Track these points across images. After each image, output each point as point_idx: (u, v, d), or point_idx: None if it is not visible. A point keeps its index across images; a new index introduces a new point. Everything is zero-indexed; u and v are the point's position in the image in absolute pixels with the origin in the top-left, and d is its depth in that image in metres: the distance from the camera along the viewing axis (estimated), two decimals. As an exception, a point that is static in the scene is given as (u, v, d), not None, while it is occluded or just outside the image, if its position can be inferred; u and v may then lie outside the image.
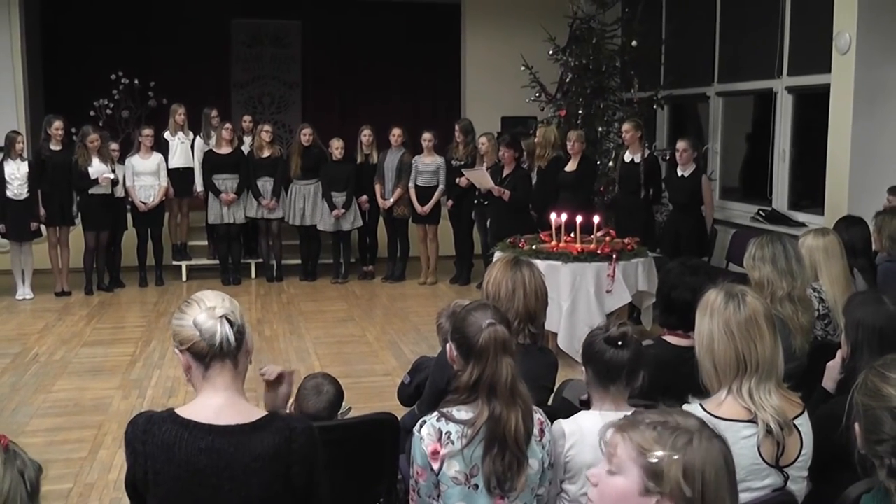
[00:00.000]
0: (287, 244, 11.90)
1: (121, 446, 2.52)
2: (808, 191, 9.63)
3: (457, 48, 14.03)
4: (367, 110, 14.53)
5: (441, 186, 11.27)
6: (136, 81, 13.95)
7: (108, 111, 13.90)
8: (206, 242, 12.12)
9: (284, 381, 3.22)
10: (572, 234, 8.04)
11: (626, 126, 9.65)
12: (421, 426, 2.94)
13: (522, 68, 11.33)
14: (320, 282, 11.70)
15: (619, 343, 3.14)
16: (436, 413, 2.94)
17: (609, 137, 11.04)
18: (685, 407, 3.06)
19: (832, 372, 3.74)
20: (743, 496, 2.87)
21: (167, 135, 11.46)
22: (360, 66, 15.23)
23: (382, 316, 9.91)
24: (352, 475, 3.69)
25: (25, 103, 12.19)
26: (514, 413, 2.85)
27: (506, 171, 10.28)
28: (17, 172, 10.17)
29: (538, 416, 3.01)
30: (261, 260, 11.97)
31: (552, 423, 3.11)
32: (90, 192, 10.47)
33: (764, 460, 2.93)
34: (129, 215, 11.20)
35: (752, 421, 2.93)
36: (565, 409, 3.64)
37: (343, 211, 11.29)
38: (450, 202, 11.35)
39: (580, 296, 7.66)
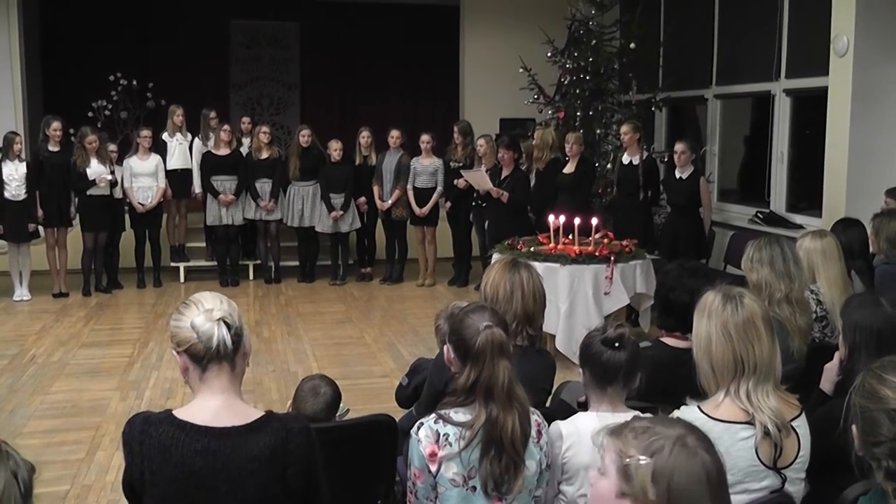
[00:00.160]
0: (285, 246, 11.90)
1: (118, 448, 2.53)
2: (806, 193, 9.64)
3: (455, 50, 14.03)
4: (365, 112, 14.56)
5: (439, 188, 11.27)
6: (135, 82, 13.96)
7: (107, 112, 13.90)
8: (204, 244, 12.12)
9: None
10: (570, 236, 8.04)
11: (624, 128, 9.65)
12: (419, 428, 2.94)
13: (521, 70, 11.34)
14: (318, 283, 11.70)
15: (617, 344, 3.14)
16: (433, 415, 2.95)
17: (607, 139, 11.04)
18: (683, 408, 3.07)
19: (830, 374, 3.75)
20: (741, 497, 2.88)
21: (165, 136, 11.46)
22: (359, 68, 15.25)
23: (380, 317, 9.91)
24: (349, 477, 3.68)
25: (24, 104, 12.18)
26: (511, 416, 2.86)
27: (504, 173, 10.28)
28: (16, 173, 10.16)
29: (535, 417, 3.02)
30: (259, 261, 11.96)
31: (550, 425, 3.11)
32: (88, 193, 10.45)
33: (762, 462, 2.93)
34: (126, 216, 11.19)
35: (750, 423, 2.93)
36: (563, 410, 3.64)
37: (341, 212, 11.29)
38: (448, 204, 11.35)
39: (578, 298, 7.66)
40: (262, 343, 8.58)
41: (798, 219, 9.43)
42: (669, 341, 4.04)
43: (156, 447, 2.48)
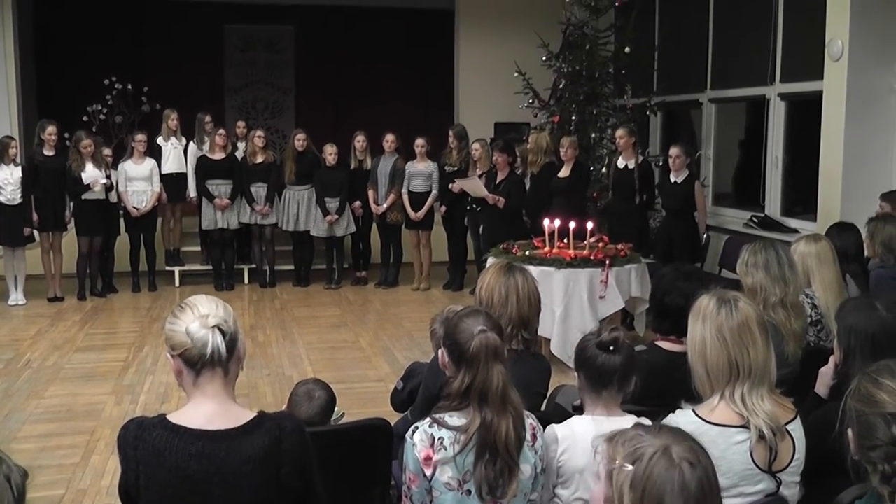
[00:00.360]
0: (280, 250, 11.88)
1: (113, 452, 2.53)
2: (801, 197, 9.65)
3: (450, 54, 14.03)
4: (360, 116, 14.53)
5: (434, 192, 11.27)
6: (130, 86, 13.96)
7: (102, 116, 13.90)
8: (199, 248, 12.11)
9: None
10: (565, 240, 8.05)
11: (619, 132, 9.67)
12: (413, 432, 2.94)
13: (516, 74, 11.35)
14: (313, 287, 11.69)
15: (611, 348, 3.14)
16: (428, 419, 2.95)
17: (602, 143, 11.05)
18: (678, 412, 3.07)
19: (825, 378, 3.75)
20: (735, 501, 2.89)
21: (160, 140, 11.44)
22: (354, 72, 15.24)
23: (375, 321, 9.90)
24: (345, 481, 3.68)
25: (19, 108, 12.17)
26: (505, 420, 2.86)
27: (500, 177, 10.29)
28: (11, 178, 10.14)
29: (530, 421, 3.02)
30: (254, 265, 11.95)
31: (545, 429, 3.11)
32: (83, 197, 10.44)
33: (756, 465, 2.93)
34: (122, 221, 11.17)
35: (745, 426, 2.93)
36: (558, 414, 3.64)
37: (336, 217, 11.28)
38: (443, 208, 11.34)
39: (573, 302, 7.67)
40: (256, 347, 8.57)
41: (793, 223, 9.45)
42: (664, 345, 4.03)
43: (150, 452, 2.48)
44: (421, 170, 11.25)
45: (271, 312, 10.32)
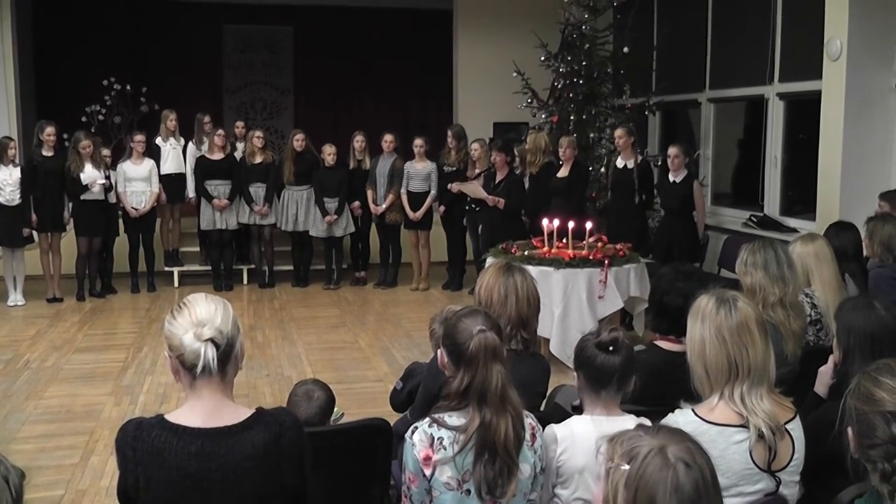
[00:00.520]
0: (279, 250, 11.88)
1: (112, 453, 2.52)
2: (800, 196, 9.65)
3: (449, 54, 14.03)
4: (359, 116, 14.60)
5: (433, 192, 11.26)
6: (128, 87, 13.99)
7: (101, 117, 13.92)
8: (197, 248, 12.11)
9: None
10: (564, 240, 8.05)
11: (618, 132, 9.66)
12: (413, 432, 2.94)
13: (514, 74, 11.35)
14: (312, 288, 11.69)
15: (610, 348, 3.14)
16: (428, 419, 2.94)
17: (601, 143, 11.05)
18: (677, 412, 3.07)
19: (824, 377, 3.75)
20: (735, 500, 2.89)
21: (159, 141, 11.43)
22: (352, 72, 15.27)
23: (374, 322, 9.90)
24: (344, 481, 3.68)
25: (17, 109, 12.17)
26: (504, 420, 2.86)
27: (499, 177, 10.30)
28: (10, 178, 10.14)
29: (530, 421, 3.02)
30: (253, 266, 11.95)
31: (544, 429, 3.11)
32: (82, 198, 10.44)
33: (756, 465, 2.93)
34: (120, 221, 11.16)
35: (744, 426, 2.93)
36: (557, 414, 3.64)
37: (335, 217, 11.27)
38: (442, 208, 11.34)
39: (572, 301, 7.67)
40: (256, 348, 8.57)
41: (792, 222, 9.45)
42: (664, 345, 4.04)
43: (149, 452, 2.48)
44: (420, 170, 11.25)
45: (270, 313, 10.32)
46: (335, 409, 4.05)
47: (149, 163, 11.06)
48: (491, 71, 12.74)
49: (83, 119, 13.58)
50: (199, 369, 2.51)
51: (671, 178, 9.29)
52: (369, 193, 11.39)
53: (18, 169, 10.26)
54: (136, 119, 13.89)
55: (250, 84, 15.89)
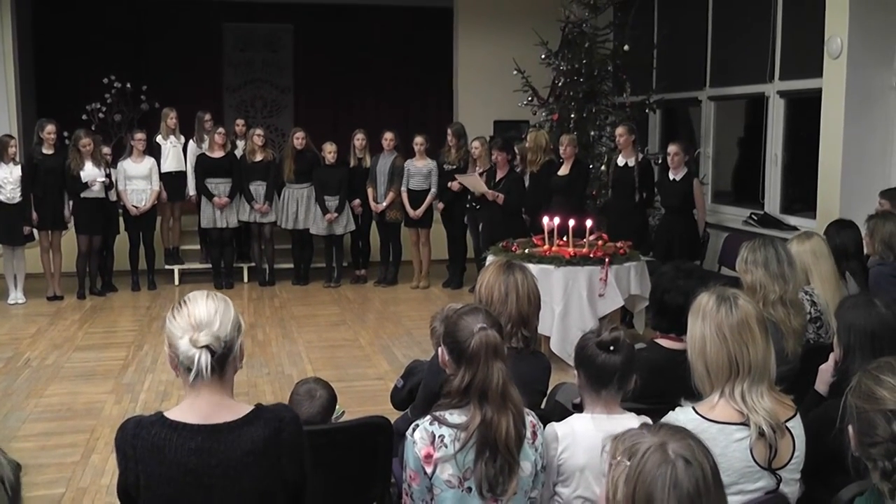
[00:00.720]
0: (279, 248, 11.89)
1: (113, 451, 2.52)
2: (800, 195, 9.65)
3: (449, 52, 14.03)
4: (359, 114, 14.60)
5: (433, 190, 11.26)
6: (129, 85, 13.98)
7: (101, 115, 13.91)
8: (198, 246, 12.10)
9: None
10: (565, 238, 8.05)
11: (619, 130, 9.66)
12: (414, 430, 2.94)
13: (515, 72, 11.35)
14: (313, 286, 11.69)
15: (611, 348, 3.14)
16: (429, 417, 2.95)
17: (601, 141, 11.04)
18: (678, 410, 3.07)
19: (824, 375, 3.75)
20: (736, 499, 2.89)
21: (159, 139, 11.43)
22: (353, 70, 15.26)
23: (375, 320, 9.90)
24: (345, 478, 3.69)
25: (18, 107, 12.16)
26: (505, 417, 2.86)
27: (499, 175, 10.31)
28: (10, 176, 10.14)
29: (531, 419, 3.02)
30: (253, 264, 11.95)
31: (545, 427, 3.11)
32: (83, 196, 10.44)
33: (756, 463, 2.93)
34: (121, 219, 11.16)
35: (745, 423, 2.94)
36: (558, 412, 3.64)
37: (336, 215, 11.27)
38: (440, 205, 11.33)
39: (573, 299, 7.67)
40: (256, 346, 8.57)
41: (792, 220, 9.45)
42: (664, 343, 4.04)
43: (149, 449, 2.48)
44: (420, 168, 11.25)
45: (271, 311, 10.32)
46: (336, 408, 4.06)
47: (149, 161, 11.06)
48: (491, 69, 12.73)
49: (83, 117, 13.58)
50: (192, 375, 2.50)
51: (671, 176, 9.29)
52: (370, 191, 11.39)
53: (19, 167, 10.26)
54: (137, 117, 13.89)
55: (250, 82, 15.88)
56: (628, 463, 1.97)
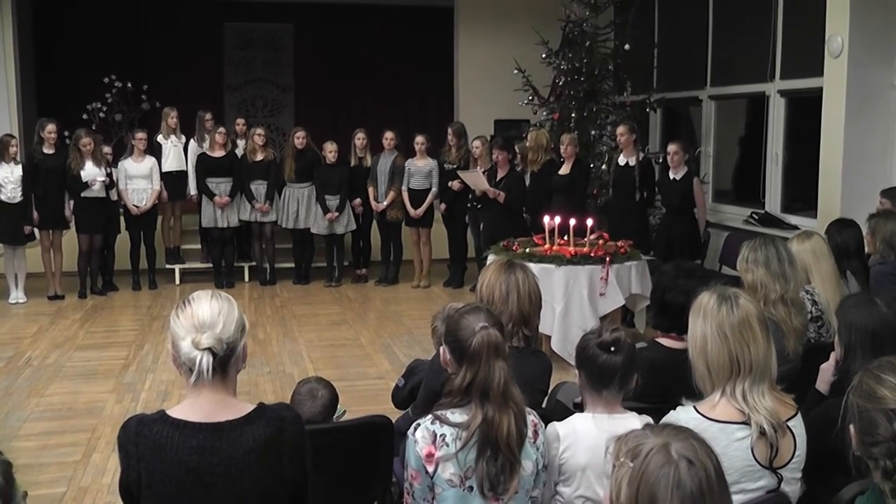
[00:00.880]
0: (280, 247, 11.88)
1: (114, 450, 2.53)
2: (801, 194, 9.65)
3: (450, 51, 14.03)
4: (359, 113, 14.60)
5: (434, 189, 11.26)
6: (129, 85, 13.97)
7: (101, 114, 13.91)
8: (199, 246, 12.10)
9: None
10: (566, 238, 8.05)
11: (620, 129, 9.67)
12: (415, 429, 2.94)
13: (515, 71, 11.35)
14: (313, 285, 11.69)
15: (612, 349, 3.14)
16: (430, 416, 2.95)
17: (602, 141, 11.04)
18: (679, 409, 3.07)
19: (825, 374, 3.75)
20: (737, 498, 2.88)
21: (160, 138, 11.43)
22: (353, 70, 15.26)
23: (376, 319, 9.90)
24: (346, 478, 3.69)
25: (18, 106, 12.16)
26: (507, 416, 2.86)
27: (500, 174, 10.31)
28: (11, 176, 10.14)
29: (532, 418, 3.02)
30: (254, 263, 11.95)
31: (546, 426, 3.11)
32: (83, 195, 10.43)
33: (758, 462, 2.93)
34: (122, 219, 11.16)
35: (746, 423, 2.94)
36: (559, 411, 3.64)
37: (336, 214, 11.27)
38: (443, 206, 11.33)
39: (573, 299, 7.67)
40: (257, 345, 8.56)
41: (793, 219, 9.45)
42: (665, 342, 4.04)
43: (151, 447, 2.48)
44: (421, 167, 11.25)
45: (271, 310, 10.32)
46: (337, 407, 4.06)
47: (150, 160, 11.06)
48: (492, 68, 12.73)
49: (84, 117, 13.57)
50: (193, 377, 2.50)
51: (671, 176, 9.29)
52: (370, 191, 11.39)
53: (20, 166, 10.26)
54: (138, 116, 13.89)
55: (251, 81, 15.89)
56: (631, 464, 1.97)
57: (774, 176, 9.90)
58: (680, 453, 1.96)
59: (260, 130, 11.47)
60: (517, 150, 10.83)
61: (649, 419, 3.11)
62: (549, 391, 4.18)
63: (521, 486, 2.91)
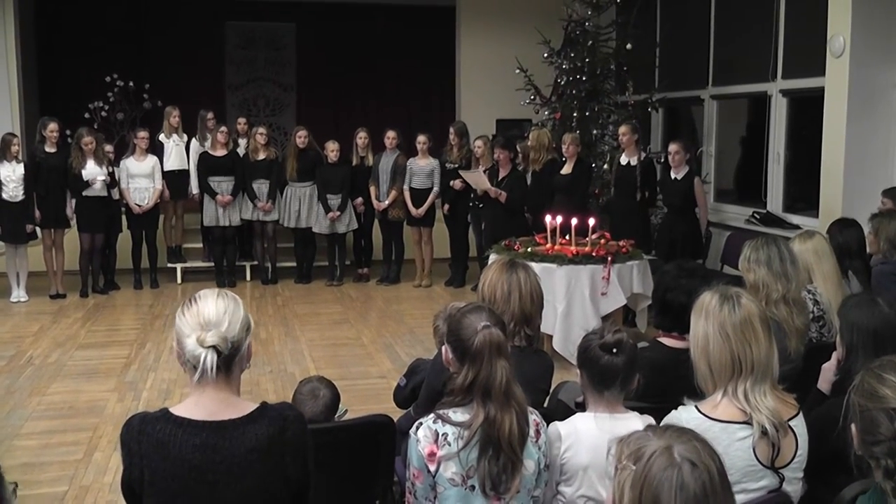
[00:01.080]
0: (282, 246, 11.89)
1: (116, 449, 2.53)
2: (803, 193, 9.65)
3: (452, 51, 14.02)
4: (361, 112, 14.61)
5: (436, 189, 11.25)
6: (131, 84, 13.99)
7: (103, 113, 13.92)
8: (200, 245, 12.11)
9: None
10: (567, 237, 8.05)
11: (622, 129, 9.66)
12: (417, 428, 2.94)
13: (517, 71, 11.35)
14: (315, 284, 11.69)
15: (614, 350, 3.14)
16: (432, 415, 2.95)
17: (604, 140, 11.05)
18: (680, 408, 3.07)
19: (827, 373, 3.75)
20: (739, 497, 2.88)
21: (162, 137, 11.44)
22: (355, 69, 15.28)
23: (377, 318, 9.90)
24: (348, 477, 3.69)
25: (20, 105, 12.16)
26: (509, 415, 2.86)
27: (502, 174, 10.30)
28: (13, 175, 10.14)
29: (534, 417, 3.02)
30: (256, 262, 11.95)
31: (548, 425, 3.11)
32: (85, 194, 10.43)
33: (759, 461, 2.93)
34: (123, 218, 11.16)
35: (748, 422, 2.94)
36: (561, 410, 3.64)
37: (338, 213, 11.28)
38: (446, 206, 11.32)
39: (575, 298, 7.66)
40: (259, 344, 8.55)
41: (795, 219, 9.44)
42: (667, 342, 4.04)
43: (154, 445, 2.48)
44: (422, 166, 11.25)
45: (273, 309, 10.32)
46: (339, 406, 4.06)
47: (152, 159, 11.06)
48: (494, 67, 12.72)
49: (86, 115, 13.59)
50: (197, 375, 2.50)
51: (672, 175, 9.29)
52: (372, 190, 11.39)
53: (22, 165, 10.26)
54: (139, 115, 13.90)
55: (253, 81, 15.90)
56: (634, 467, 1.96)
57: (776, 175, 9.90)
58: (683, 455, 1.95)
59: (262, 129, 11.49)
60: (519, 150, 10.82)
61: (651, 419, 3.12)
62: (551, 391, 4.18)
63: (522, 486, 2.91)
